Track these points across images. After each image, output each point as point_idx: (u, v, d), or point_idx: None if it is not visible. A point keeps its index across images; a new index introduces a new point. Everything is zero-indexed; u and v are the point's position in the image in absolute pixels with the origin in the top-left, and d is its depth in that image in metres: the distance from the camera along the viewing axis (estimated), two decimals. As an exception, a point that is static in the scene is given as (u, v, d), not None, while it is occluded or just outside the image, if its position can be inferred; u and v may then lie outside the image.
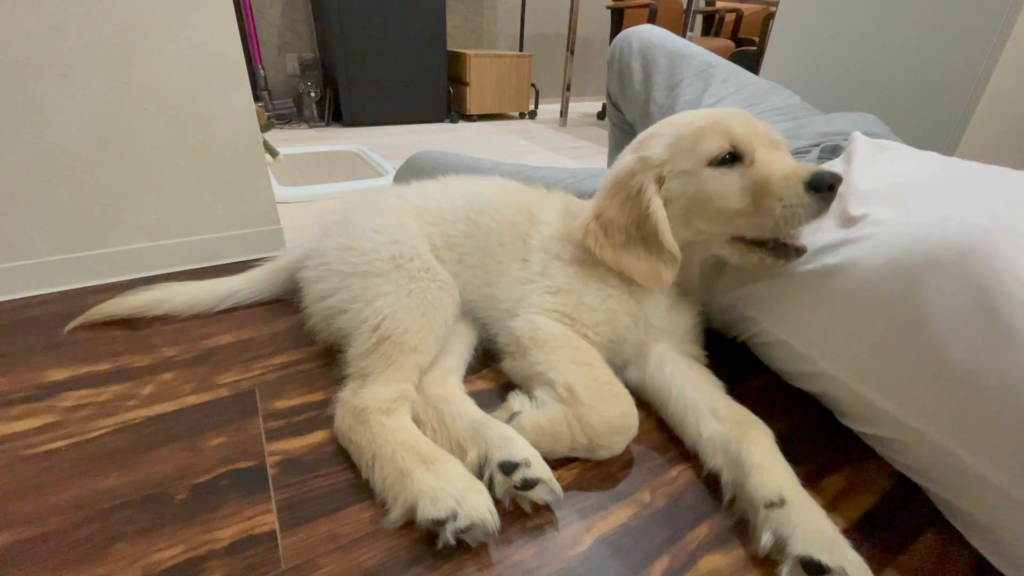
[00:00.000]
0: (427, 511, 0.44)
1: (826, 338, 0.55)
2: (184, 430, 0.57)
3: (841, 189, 0.61)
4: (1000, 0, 0.87)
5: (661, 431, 0.60)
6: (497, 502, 0.47)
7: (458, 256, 0.70)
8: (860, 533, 0.48)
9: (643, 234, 0.59)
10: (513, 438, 0.50)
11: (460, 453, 0.51)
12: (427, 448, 0.50)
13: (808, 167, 0.52)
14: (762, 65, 1.32)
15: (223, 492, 0.50)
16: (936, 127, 0.99)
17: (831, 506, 0.51)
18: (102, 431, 0.57)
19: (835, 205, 0.58)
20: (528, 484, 0.47)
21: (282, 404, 0.62)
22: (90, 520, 0.47)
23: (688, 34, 3.01)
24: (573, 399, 0.53)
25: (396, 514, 0.46)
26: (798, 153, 0.72)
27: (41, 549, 0.44)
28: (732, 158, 0.56)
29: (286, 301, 0.83)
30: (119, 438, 0.56)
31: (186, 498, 0.49)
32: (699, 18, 3.21)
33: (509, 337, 0.63)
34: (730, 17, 2.97)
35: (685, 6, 2.91)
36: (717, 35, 3.04)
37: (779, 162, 0.54)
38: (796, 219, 0.52)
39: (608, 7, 2.77)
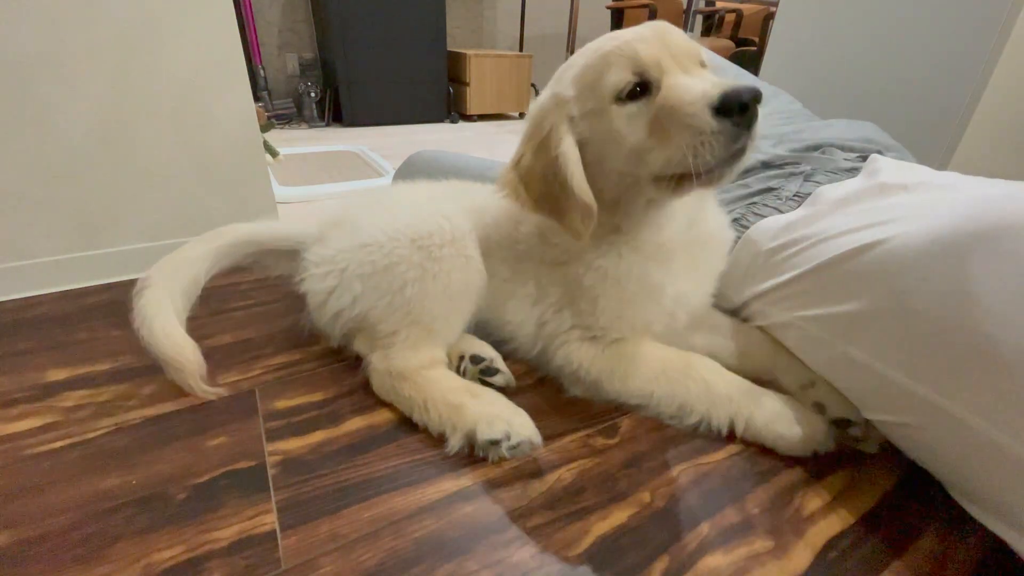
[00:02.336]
0: (485, 434, 0.53)
1: (852, 321, 0.53)
2: (184, 430, 0.57)
3: (873, 166, 0.62)
4: (1000, 0, 0.87)
5: (661, 431, 0.60)
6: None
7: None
8: (861, 532, 0.48)
9: (558, 182, 0.53)
10: (483, 345, 0.67)
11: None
12: (473, 385, 0.59)
13: (719, 84, 0.44)
14: (762, 65, 1.32)
15: (223, 492, 0.50)
16: (936, 127, 0.99)
17: (832, 505, 0.51)
18: (102, 431, 0.57)
19: (868, 180, 0.59)
20: (490, 372, 0.64)
21: (282, 404, 0.62)
22: (90, 520, 0.47)
23: (688, 34, 3.00)
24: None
25: (456, 439, 0.54)
26: (793, 160, 0.72)
27: (41, 549, 0.44)
28: (641, 89, 0.49)
29: (285, 301, 0.83)
30: (119, 438, 0.56)
31: (186, 498, 0.49)
32: (699, 18, 3.21)
33: (559, 372, 0.65)
34: (730, 17, 2.97)
35: (685, 6, 2.91)
36: (717, 35, 3.04)
37: (686, 85, 0.46)
38: (708, 150, 0.45)
39: (608, 7, 2.77)
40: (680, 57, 0.49)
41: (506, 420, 0.54)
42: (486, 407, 0.55)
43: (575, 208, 0.53)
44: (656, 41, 0.49)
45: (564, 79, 0.54)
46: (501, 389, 0.63)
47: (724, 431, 0.58)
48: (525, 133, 0.56)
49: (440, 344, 0.64)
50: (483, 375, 0.65)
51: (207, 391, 0.62)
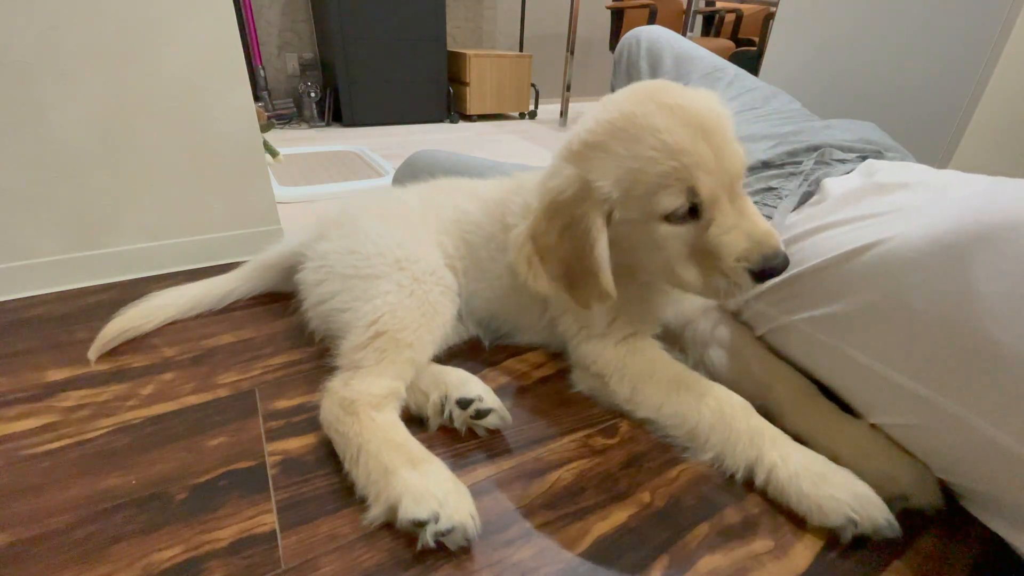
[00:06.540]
0: (409, 511, 0.44)
1: (853, 322, 0.52)
2: (184, 430, 0.57)
3: (869, 168, 0.63)
4: (1000, 0, 0.87)
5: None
6: (456, 431, 0.58)
7: (463, 268, 0.72)
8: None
9: (582, 269, 0.54)
10: (467, 379, 0.59)
11: (424, 398, 0.59)
12: (416, 449, 0.50)
13: (762, 244, 0.49)
14: (762, 66, 1.32)
15: (223, 492, 0.50)
16: (936, 128, 0.99)
17: (831, 506, 0.51)
18: (102, 431, 0.57)
19: (867, 180, 0.60)
20: (481, 414, 0.56)
21: (282, 404, 0.62)
22: (90, 520, 0.47)
23: (688, 34, 3.01)
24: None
25: (376, 511, 0.46)
26: (792, 161, 0.72)
27: (41, 549, 0.44)
28: (691, 212, 0.50)
29: (285, 301, 0.83)
30: (119, 438, 0.56)
31: (186, 498, 0.49)
32: (699, 18, 3.21)
33: (576, 365, 0.67)
34: (730, 17, 2.97)
35: (685, 6, 2.91)
36: (717, 35, 3.04)
37: (735, 232, 0.50)
38: (731, 296, 0.52)
39: (608, 7, 2.78)
40: (733, 183, 0.50)
41: (439, 499, 0.44)
42: (418, 480, 0.46)
43: (593, 293, 0.54)
44: (717, 169, 0.49)
45: (600, 169, 0.51)
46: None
47: (740, 476, 0.52)
48: (546, 207, 0.54)
49: (405, 368, 0.58)
50: (475, 419, 0.57)
51: (91, 356, 0.68)
